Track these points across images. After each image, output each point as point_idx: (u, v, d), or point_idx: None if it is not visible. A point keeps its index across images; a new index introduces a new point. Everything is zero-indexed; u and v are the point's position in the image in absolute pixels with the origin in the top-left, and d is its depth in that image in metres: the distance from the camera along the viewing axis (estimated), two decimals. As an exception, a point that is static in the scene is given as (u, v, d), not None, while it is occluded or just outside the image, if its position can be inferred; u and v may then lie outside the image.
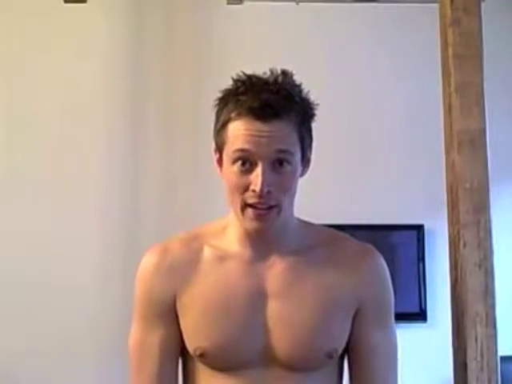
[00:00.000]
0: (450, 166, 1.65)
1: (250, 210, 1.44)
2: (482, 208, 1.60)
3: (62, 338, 3.62)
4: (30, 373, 3.58)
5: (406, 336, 2.49)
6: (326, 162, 3.46)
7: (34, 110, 3.79)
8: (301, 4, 3.92)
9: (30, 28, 3.84)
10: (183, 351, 1.53)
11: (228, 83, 1.48)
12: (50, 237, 3.70)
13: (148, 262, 1.54)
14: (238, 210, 1.45)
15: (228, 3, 3.92)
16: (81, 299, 3.65)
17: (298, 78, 1.49)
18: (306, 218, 1.59)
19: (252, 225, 1.45)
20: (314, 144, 1.51)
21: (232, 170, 1.44)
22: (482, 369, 1.55)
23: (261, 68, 1.49)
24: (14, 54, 3.83)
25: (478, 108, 1.63)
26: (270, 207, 1.43)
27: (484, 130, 1.63)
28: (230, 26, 3.92)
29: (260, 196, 1.41)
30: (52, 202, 3.73)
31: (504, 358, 1.87)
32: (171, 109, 3.89)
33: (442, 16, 1.69)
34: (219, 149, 1.48)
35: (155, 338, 1.51)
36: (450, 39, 1.65)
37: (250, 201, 1.43)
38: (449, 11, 1.65)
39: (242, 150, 1.42)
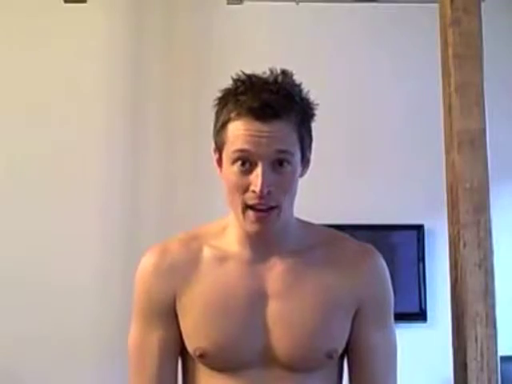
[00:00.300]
0: (450, 166, 1.65)
1: (250, 213, 1.43)
2: (482, 208, 1.60)
3: (62, 338, 3.62)
4: (30, 373, 3.59)
5: (406, 336, 2.49)
6: (326, 162, 3.47)
7: (34, 110, 3.79)
8: (301, 4, 3.92)
9: (30, 28, 3.84)
10: (183, 351, 1.52)
11: (228, 83, 1.47)
12: (50, 237, 3.70)
13: (147, 262, 1.54)
14: (239, 212, 1.45)
15: (228, 3, 3.92)
16: (81, 299, 3.65)
17: (297, 78, 1.48)
18: (306, 218, 1.58)
19: (252, 227, 1.45)
20: (314, 144, 1.51)
21: (232, 170, 1.43)
22: (481, 369, 1.55)
23: (261, 68, 1.48)
24: (14, 53, 3.82)
25: (478, 108, 1.63)
26: (271, 208, 1.43)
27: (484, 129, 1.63)
28: (229, 26, 3.92)
29: (260, 197, 1.41)
30: (52, 202, 3.73)
31: (504, 358, 1.88)
32: (171, 109, 3.89)
33: (442, 16, 1.69)
34: (219, 149, 1.48)
35: (155, 338, 1.50)
36: (450, 39, 1.65)
37: (251, 202, 1.43)
38: (449, 11, 1.65)
39: (241, 151, 1.41)
